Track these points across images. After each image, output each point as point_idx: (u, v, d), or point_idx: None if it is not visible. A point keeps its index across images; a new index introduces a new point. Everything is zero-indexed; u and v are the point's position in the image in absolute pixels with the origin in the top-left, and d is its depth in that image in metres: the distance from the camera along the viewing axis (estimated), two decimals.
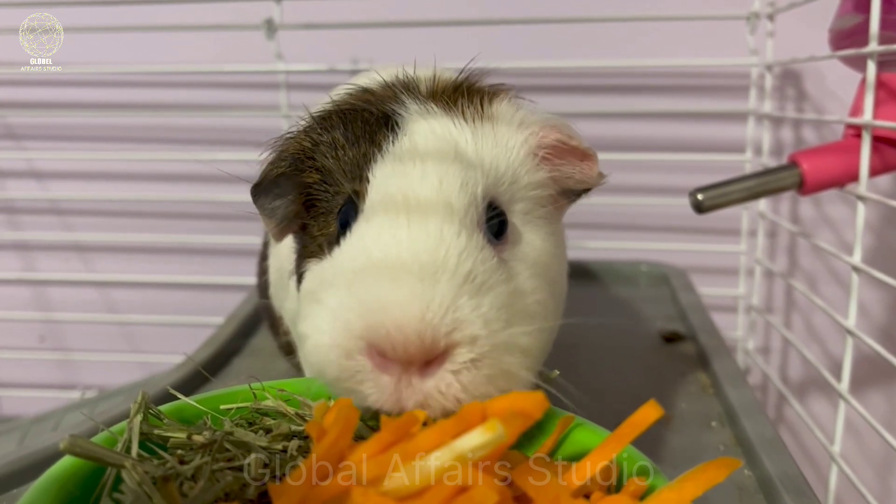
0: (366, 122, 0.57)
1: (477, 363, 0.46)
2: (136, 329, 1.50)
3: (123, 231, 1.44)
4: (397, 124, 0.55)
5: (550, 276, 0.57)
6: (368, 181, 0.53)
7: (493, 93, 0.60)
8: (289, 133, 0.61)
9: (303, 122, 0.61)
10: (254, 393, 0.56)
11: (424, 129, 0.55)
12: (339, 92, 0.64)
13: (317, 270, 0.54)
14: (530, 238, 0.56)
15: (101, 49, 1.36)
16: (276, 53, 1.23)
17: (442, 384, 0.46)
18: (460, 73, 0.62)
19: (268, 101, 1.30)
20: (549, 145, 0.58)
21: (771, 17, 1.16)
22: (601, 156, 1.31)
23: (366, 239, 0.50)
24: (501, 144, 0.56)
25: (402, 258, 0.47)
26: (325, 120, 0.59)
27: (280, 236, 0.62)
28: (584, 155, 0.59)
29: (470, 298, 0.46)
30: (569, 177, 0.59)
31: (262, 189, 0.60)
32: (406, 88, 0.60)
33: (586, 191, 0.62)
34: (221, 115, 1.33)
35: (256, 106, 1.32)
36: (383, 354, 0.46)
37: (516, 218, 0.56)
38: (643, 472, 0.45)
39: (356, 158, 0.55)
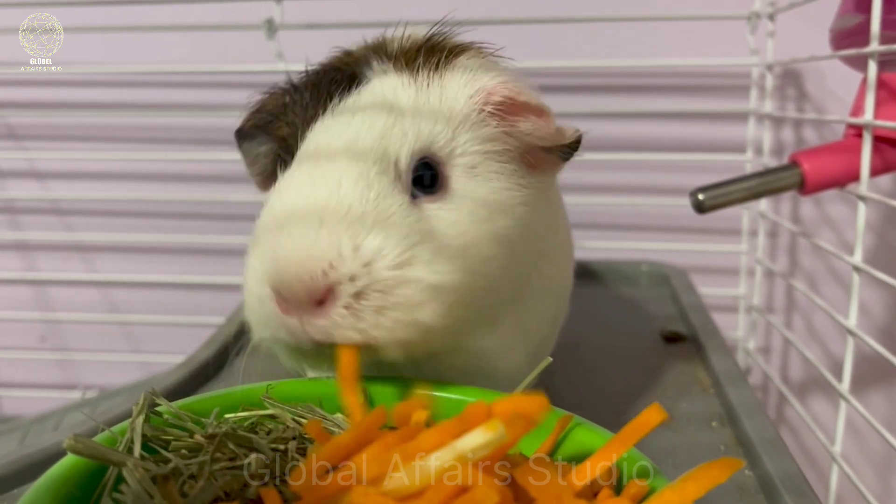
0: (332, 81, 0.60)
1: (362, 297, 0.50)
2: (137, 329, 1.50)
3: (124, 231, 1.44)
4: (358, 84, 0.59)
5: (494, 227, 0.58)
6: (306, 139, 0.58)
7: (456, 50, 0.62)
8: (273, 88, 0.65)
9: (286, 80, 0.65)
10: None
11: (372, 87, 0.59)
12: (331, 54, 0.67)
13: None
14: (472, 190, 0.58)
15: (102, 49, 1.36)
16: (277, 53, 1.23)
17: (337, 318, 0.50)
18: (429, 30, 0.64)
19: None
20: (497, 102, 0.59)
21: (771, 17, 1.16)
22: (602, 156, 1.33)
23: (277, 193, 0.55)
24: (446, 100, 0.59)
25: (297, 209, 0.52)
26: (303, 77, 0.64)
27: (263, 186, 0.66)
28: (538, 111, 0.59)
29: (351, 240, 0.50)
30: (528, 133, 0.60)
31: (243, 136, 0.66)
32: (377, 50, 0.63)
33: (574, 149, 0.62)
34: (222, 115, 1.32)
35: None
36: (283, 298, 0.51)
37: (457, 171, 0.58)
38: (643, 473, 0.45)
39: (311, 116, 0.59)
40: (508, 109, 0.59)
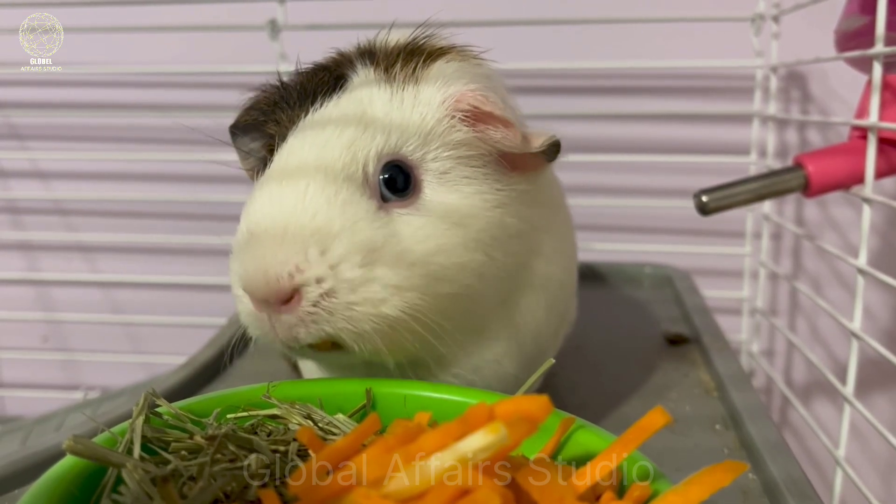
0: (319, 82, 0.62)
1: (331, 295, 0.54)
2: (139, 329, 1.50)
3: (127, 231, 1.44)
4: (342, 86, 0.61)
5: (466, 232, 0.59)
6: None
7: (436, 53, 0.63)
8: (266, 85, 0.67)
9: (279, 77, 0.67)
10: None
11: (350, 92, 0.61)
12: (327, 54, 0.69)
13: None
14: (443, 196, 0.59)
15: (105, 49, 1.37)
16: (280, 54, 1.23)
17: (303, 314, 0.54)
18: (411, 33, 0.65)
19: None
20: (465, 109, 0.60)
21: (776, 19, 1.16)
22: (605, 157, 1.33)
23: (251, 201, 0.58)
24: (419, 105, 0.60)
25: (266, 216, 0.55)
26: (294, 76, 0.65)
27: (255, 178, 0.68)
28: (503, 121, 0.60)
29: (317, 246, 0.53)
30: (497, 141, 0.60)
31: (237, 132, 0.68)
32: (363, 53, 0.64)
33: (556, 151, 0.62)
34: (225, 116, 1.32)
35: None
36: (252, 298, 0.55)
37: (429, 175, 0.59)
38: (643, 473, 0.45)
39: (296, 117, 0.61)
40: (476, 117, 0.60)
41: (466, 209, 0.59)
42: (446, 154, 0.60)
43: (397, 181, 0.58)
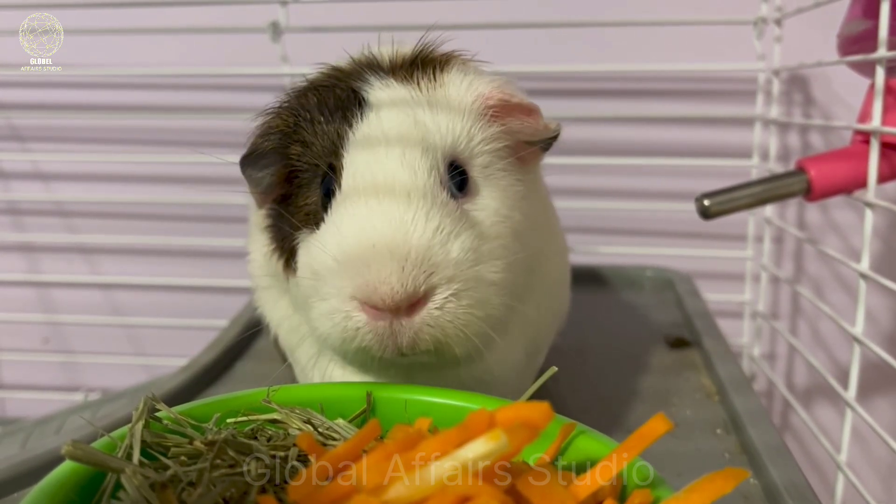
0: (338, 98, 0.63)
1: (456, 296, 0.55)
2: (140, 331, 1.50)
3: (128, 233, 1.44)
4: (364, 100, 0.62)
5: (512, 222, 0.62)
6: (343, 157, 0.60)
7: (444, 61, 0.65)
8: (272, 108, 0.67)
9: (284, 99, 0.67)
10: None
11: (387, 104, 0.61)
12: (314, 72, 0.69)
13: (310, 246, 0.60)
14: (491, 189, 0.62)
15: (107, 51, 1.37)
16: (282, 56, 1.23)
17: (429, 318, 0.54)
18: (416, 45, 0.67)
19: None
20: (493, 105, 0.63)
21: (778, 22, 1.16)
22: (607, 160, 1.33)
23: (352, 219, 0.56)
24: (454, 109, 0.62)
25: (383, 231, 0.55)
26: (303, 96, 0.65)
27: (262, 203, 0.69)
28: (528, 110, 0.63)
29: (441, 247, 0.55)
30: (518, 131, 0.64)
31: (250, 161, 0.66)
32: (370, 65, 0.65)
33: (553, 140, 0.66)
34: (226, 118, 1.32)
35: (261, 109, 1.32)
36: (375, 307, 0.54)
37: (476, 172, 0.62)
38: (642, 473, 0.45)
39: (331, 134, 0.61)
40: (502, 111, 0.63)
41: (510, 199, 0.62)
42: (486, 149, 0.62)
43: (458, 181, 0.60)
